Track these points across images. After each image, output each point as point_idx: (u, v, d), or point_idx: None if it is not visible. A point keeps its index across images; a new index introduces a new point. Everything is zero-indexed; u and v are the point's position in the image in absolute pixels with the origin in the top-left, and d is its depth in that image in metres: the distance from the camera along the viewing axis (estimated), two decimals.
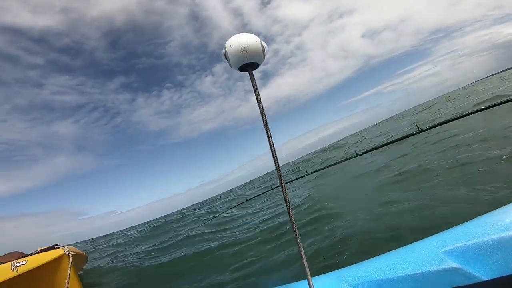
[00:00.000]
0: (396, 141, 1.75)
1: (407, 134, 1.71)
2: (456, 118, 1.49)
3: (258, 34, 0.92)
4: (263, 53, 0.88)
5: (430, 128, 1.56)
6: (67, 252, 2.91)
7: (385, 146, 1.82)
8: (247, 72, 0.92)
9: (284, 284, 1.14)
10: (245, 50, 0.84)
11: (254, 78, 0.93)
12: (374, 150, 1.92)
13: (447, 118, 1.55)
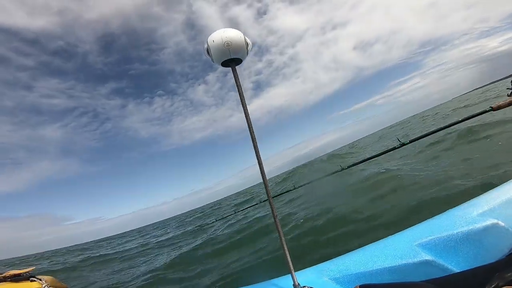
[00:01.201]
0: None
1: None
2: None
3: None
4: (247, 49, 0.87)
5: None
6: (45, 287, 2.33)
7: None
8: (230, 68, 0.91)
9: (268, 279, 1.17)
10: (228, 45, 0.82)
11: (237, 74, 0.92)
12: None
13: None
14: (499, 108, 1.14)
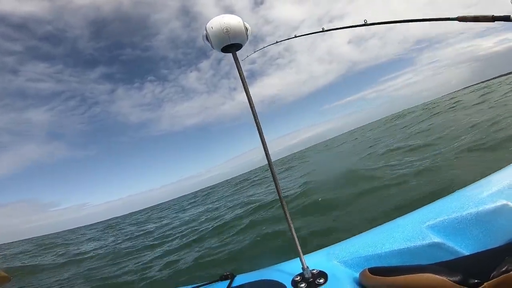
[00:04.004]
0: None
1: None
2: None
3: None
4: (246, 34, 0.87)
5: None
6: None
7: None
8: (230, 54, 0.91)
9: (277, 263, 1.16)
10: (227, 31, 0.82)
11: (238, 59, 0.92)
12: None
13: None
14: (464, 19, 1.04)
